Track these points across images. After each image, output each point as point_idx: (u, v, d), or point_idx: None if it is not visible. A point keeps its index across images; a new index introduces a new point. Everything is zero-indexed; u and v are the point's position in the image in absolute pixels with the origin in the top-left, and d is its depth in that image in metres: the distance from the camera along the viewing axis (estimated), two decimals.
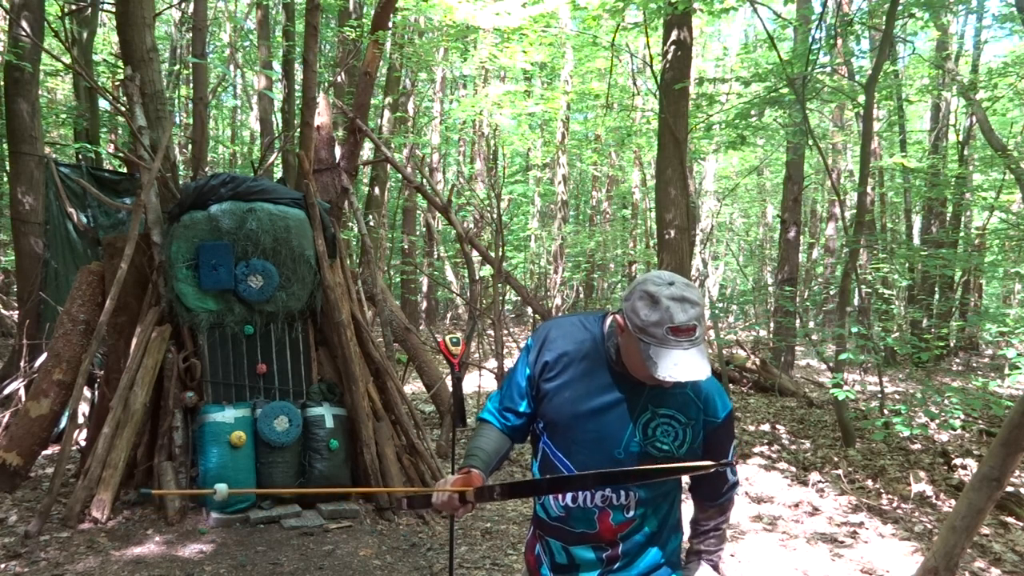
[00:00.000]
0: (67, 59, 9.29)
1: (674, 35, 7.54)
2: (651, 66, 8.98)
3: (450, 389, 6.96)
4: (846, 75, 10.42)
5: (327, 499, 4.89)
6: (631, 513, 1.82)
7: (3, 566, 3.77)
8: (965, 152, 14.68)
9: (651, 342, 1.61)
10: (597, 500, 1.80)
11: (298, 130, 6.04)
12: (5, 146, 8.98)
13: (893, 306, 16.05)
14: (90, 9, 9.94)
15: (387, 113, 14.92)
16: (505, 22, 9.84)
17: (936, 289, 15.52)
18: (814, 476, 6.24)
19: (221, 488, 1.69)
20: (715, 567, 1.91)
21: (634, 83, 15.14)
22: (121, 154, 7.64)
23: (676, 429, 1.78)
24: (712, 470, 1.64)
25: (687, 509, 1.97)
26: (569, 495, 1.82)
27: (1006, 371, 9.81)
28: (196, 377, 4.83)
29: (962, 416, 6.92)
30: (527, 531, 2.12)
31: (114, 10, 6.20)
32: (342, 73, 12.57)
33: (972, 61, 14.52)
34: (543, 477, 1.85)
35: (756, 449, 7.25)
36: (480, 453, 1.84)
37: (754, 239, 26.03)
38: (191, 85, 12.93)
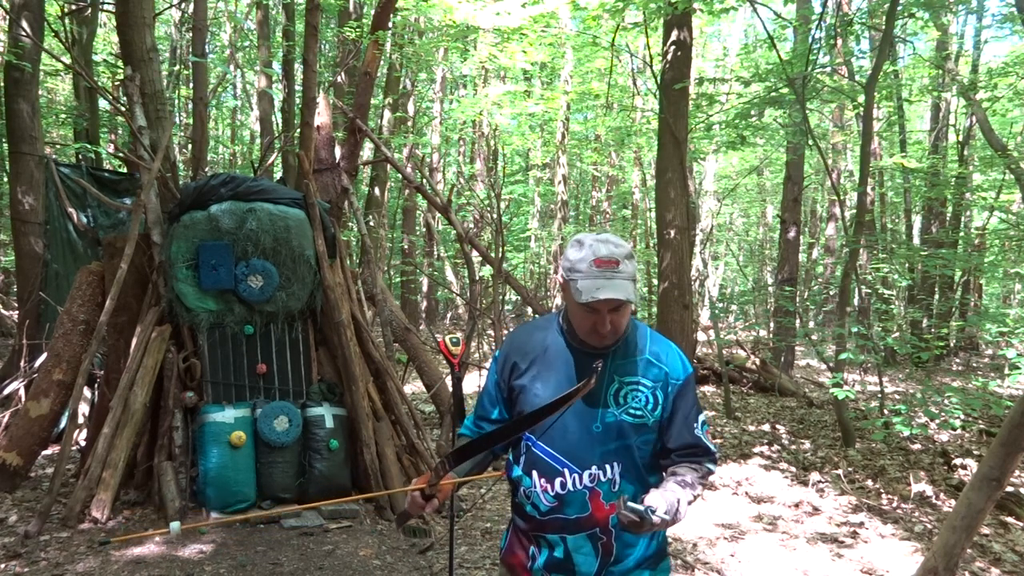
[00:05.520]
0: (67, 59, 9.29)
1: (674, 35, 7.53)
2: (651, 66, 8.98)
3: (450, 389, 6.96)
4: (846, 75, 10.41)
5: (327, 499, 4.88)
6: (617, 489, 1.88)
7: (3, 566, 3.77)
8: (965, 152, 14.68)
9: (578, 277, 1.75)
10: (586, 480, 1.86)
11: (298, 130, 6.04)
12: (5, 146, 8.98)
13: (893, 306, 16.05)
14: (90, 9, 9.94)
15: (387, 113, 14.92)
16: (505, 22, 9.84)
17: (936, 289, 15.52)
18: (814, 476, 6.24)
19: (174, 526, 1.87)
20: (677, 500, 1.80)
21: (634, 83, 15.14)
22: (121, 154, 7.64)
23: (645, 393, 1.86)
24: (591, 385, 1.64)
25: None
26: (558, 482, 1.87)
27: (1006, 371, 9.81)
28: (196, 377, 4.83)
29: (962, 416, 6.92)
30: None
31: (114, 10, 6.20)
32: (342, 73, 12.57)
33: (972, 61, 14.52)
34: (495, 430, 1.90)
35: (756, 449, 7.25)
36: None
37: (754, 239, 26.04)
38: (191, 85, 12.94)
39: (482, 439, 1.84)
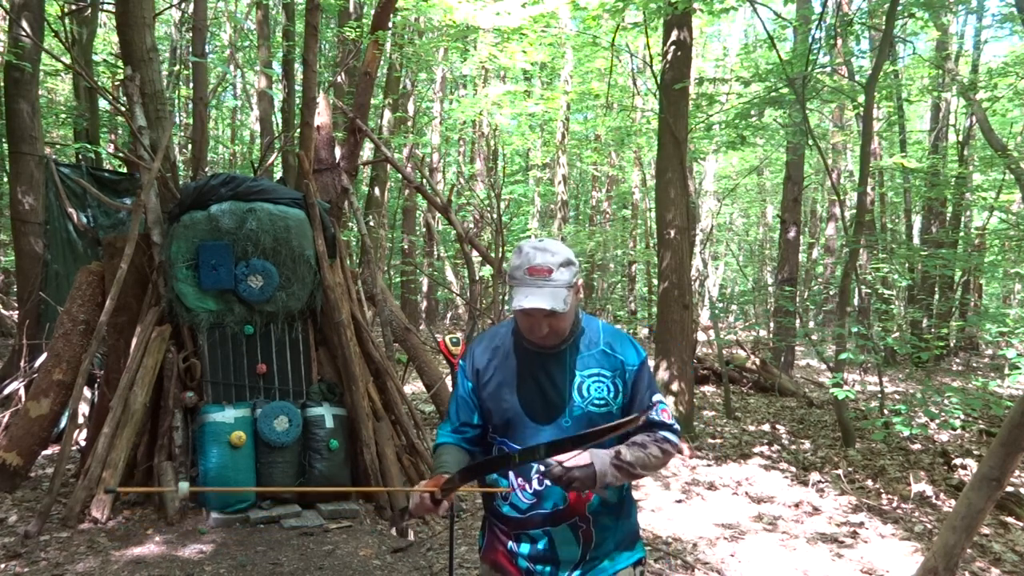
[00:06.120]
0: (67, 59, 9.29)
1: (674, 35, 7.53)
2: (651, 66, 8.97)
3: (450, 389, 6.95)
4: (846, 75, 10.41)
5: (327, 499, 4.89)
6: None
7: (3, 566, 3.77)
8: (965, 152, 14.68)
9: (514, 284, 1.85)
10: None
11: (298, 130, 6.04)
12: (5, 146, 8.98)
13: (893, 306, 16.05)
14: (90, 9, 9.94)
15: (387, 113, 14.92)
16: (505, 22, 9.84)
17: (936, 289, 15.52)
18: (814, 476, 6.24)
19: (183, 487, 1.95)
20: (616, 467, 1.86)
21: (634, 83, 15.14)
22: (121, 154, 7.63)
23: (606, 383, 1.94)
24: (640, 421, 1.74)
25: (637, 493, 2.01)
26: (535, 479, 1.92)
27: (1006, 371, 9.81)
28: (196, 377, 4.83)
29: (962, 416, 6.93)
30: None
31: (114, 10, 6.20)
32: (342, 73, 12.57)
33: (972, 61, 14.52)
34: (514, 451, 1.90)
35: (756, 449, 7.25)
36: (445, 465, 1.95)
37: (754, 239, 26.04)
38: (191, 85, 12.94)
39: (500, 459, 1.87)
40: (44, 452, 5.29)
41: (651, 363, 2.18)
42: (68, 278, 6.53)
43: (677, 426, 1.99)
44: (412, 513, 1.90)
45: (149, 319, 4.79)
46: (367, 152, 13.85)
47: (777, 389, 10.38)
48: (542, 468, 1.84)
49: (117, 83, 9.18)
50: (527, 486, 1.94)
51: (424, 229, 17.59)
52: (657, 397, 1.98)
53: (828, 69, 9.43)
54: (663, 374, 7.32)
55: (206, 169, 6.92)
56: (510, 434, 1.96)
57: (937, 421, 6.84)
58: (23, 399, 5.70)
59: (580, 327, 1.98)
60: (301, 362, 5.15)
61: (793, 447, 7.38)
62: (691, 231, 8.54)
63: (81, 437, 5.61)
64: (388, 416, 5.34)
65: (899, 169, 13.91)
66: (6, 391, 6.13)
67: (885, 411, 7.33)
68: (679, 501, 5.66)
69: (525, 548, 1.98)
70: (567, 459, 1.81)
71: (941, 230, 14.60)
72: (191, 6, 10.65)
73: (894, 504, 5.65)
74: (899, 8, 7.68)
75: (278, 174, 9.64)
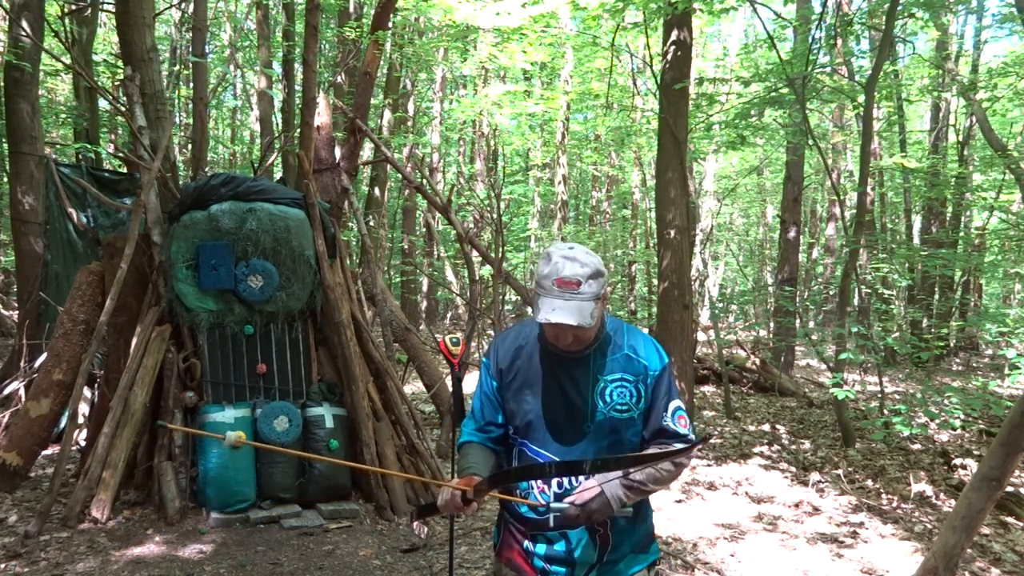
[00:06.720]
0: (67, 59, 9.29)
1: (674, 35, 7.52)
2: (651, 66, 8.97)
3: (450, 389, 6.96)
4: (846, 75, 10.41)
5: (327, 499, 4.89)
6: None
7: (3, 566, 3.77)
8: (965, 152, 14.67)
9: (541, 293, 1.80)
10: (582, 478, 1.89)
11: (298, 130, 6.04)
12: (5, 146, 8.98)
13: (893, 306, 16.04)
14: (90, 9, 9.94)
15: (387, 113, 14.92)
16: (505, 22, 9.83)
17: (936, 289, 15.52)
18: (814, 476, 6.24)
19: (230, 435, 2.00)
20: (627, 487, 1.86)
21: (634, 83, 15.14)
22: (121, 154, 7.64)
23: (628, 388, 1.92)
24: (693, 451, 1.76)
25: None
26: (555, 483, 1.92)
27: (1006, 371, 9.81)
28: (196, 377, 4.83)
29: (962, 416, 6.92)
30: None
31: (114, 10, 6.20)
32: (342, 73, 12.57)
33: (972, 61, 14.52)
34: (550, 462, 1.90)
35: (756, 449, 7.25)
36: (474, 466, 1.93)
37: (754, 239, 26.04)
38: (191, 85, 12.93)
39: (535, 467, 1.88)
40: (44, 452, 5.29)
41: None
42: (68, 278, 6.53)
43: (692, 435, 1.95)
44: (440, 510, 1.88)
45: (149, 319, 4.79)
46: (367, 152, 13.85)
47: (777, 389, 10.38)
48: (557, 513, 1.85)
49: (117, 83, 9.18)
50: (547, 488, 1.93)
51: (424, 229, 17.59)
52: (674, 404, 1.95)
53: (828, 69, 9.42)
54: None
55: (206, 169, 6.91)
56: (530, 436, 1.95)
57: (937, 421, 6.84)
58: (23, 399, 5.70)
59: (605, 331, 1.95)
60: (301, 362, 5.15)
61: (793, 447, 7.38)
62: (691, 231, 8.54)
63: (81, 437, 5.61)
64: (388, 416, 5.34)
65: (899, 169, 13.91)
66: (6, 391, 6.13)
67: (885, 411, 7.33)
68: (679, 501, 5.66)
69: (541, 548, 1.97)
70: (576, 497, 1.81)
71: (941, 230, 14.60)
72: (191, 6, 10.65)
73: (894, 504, 5.65)
74: (899, 8, 7.68)
75: (278, 174, 9.64)
